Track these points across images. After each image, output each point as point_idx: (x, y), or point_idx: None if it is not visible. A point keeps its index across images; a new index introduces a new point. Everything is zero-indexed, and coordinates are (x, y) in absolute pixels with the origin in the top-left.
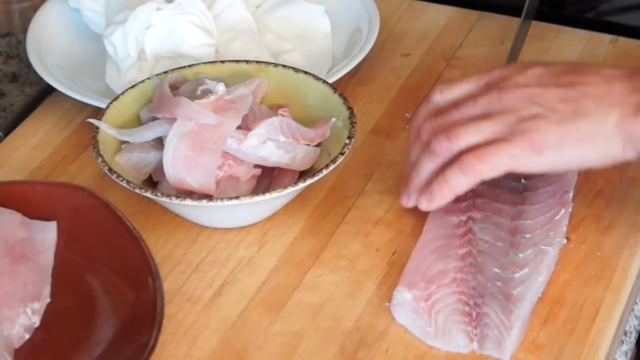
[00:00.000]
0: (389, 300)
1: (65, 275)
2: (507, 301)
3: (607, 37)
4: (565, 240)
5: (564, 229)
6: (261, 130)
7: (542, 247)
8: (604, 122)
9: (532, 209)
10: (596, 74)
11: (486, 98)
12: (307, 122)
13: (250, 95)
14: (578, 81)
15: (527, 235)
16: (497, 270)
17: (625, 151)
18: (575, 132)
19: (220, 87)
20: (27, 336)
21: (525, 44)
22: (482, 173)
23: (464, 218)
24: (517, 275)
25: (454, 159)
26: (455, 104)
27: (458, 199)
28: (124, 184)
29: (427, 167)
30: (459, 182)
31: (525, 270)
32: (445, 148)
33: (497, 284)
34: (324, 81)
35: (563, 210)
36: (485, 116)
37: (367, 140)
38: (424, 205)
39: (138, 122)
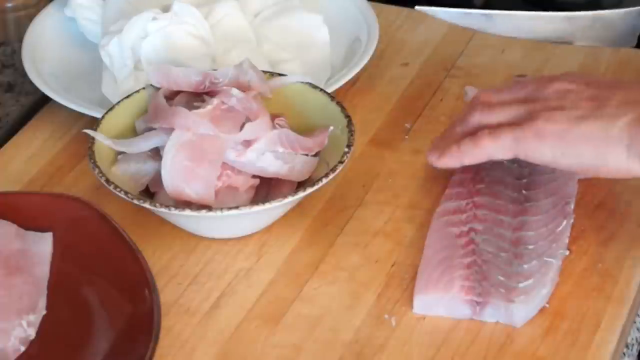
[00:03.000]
0: (389, 313)
1: (61, 287)
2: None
3: (607, 47)
4: (567, 252)
5: (566, 240)
6: (261, 145)
7: (545, 258)
8: (611, 125)
9: (533, 220)
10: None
11: (533, 85)
12: (305, 131)
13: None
14: (618, 87)
15: (530, 247)
16: (501, 278)
17: (630, 160)
18: (581, 128)
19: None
20: (22, 349)
21: (525, 55)
22: (489, 149)
23: (465, 229)
24: (521, 285)
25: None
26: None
27: (458, 210)
28: (121, 194)
29: (456, 130)
30: (469, 152)
31: (530, 281)
32: (476, 120)
33: (501, 290)
34: (322, 90)
35: (565, 222)
36: (519, 101)
37: (366, 151)
38: (432, 159)
39: (134, 132)
